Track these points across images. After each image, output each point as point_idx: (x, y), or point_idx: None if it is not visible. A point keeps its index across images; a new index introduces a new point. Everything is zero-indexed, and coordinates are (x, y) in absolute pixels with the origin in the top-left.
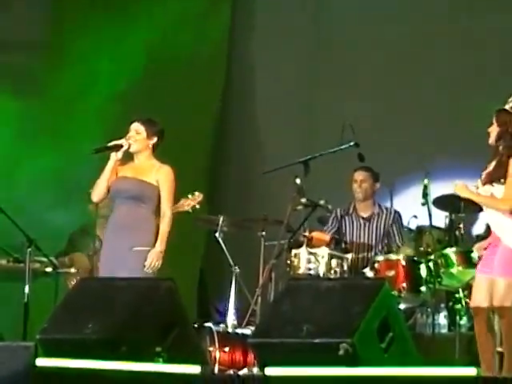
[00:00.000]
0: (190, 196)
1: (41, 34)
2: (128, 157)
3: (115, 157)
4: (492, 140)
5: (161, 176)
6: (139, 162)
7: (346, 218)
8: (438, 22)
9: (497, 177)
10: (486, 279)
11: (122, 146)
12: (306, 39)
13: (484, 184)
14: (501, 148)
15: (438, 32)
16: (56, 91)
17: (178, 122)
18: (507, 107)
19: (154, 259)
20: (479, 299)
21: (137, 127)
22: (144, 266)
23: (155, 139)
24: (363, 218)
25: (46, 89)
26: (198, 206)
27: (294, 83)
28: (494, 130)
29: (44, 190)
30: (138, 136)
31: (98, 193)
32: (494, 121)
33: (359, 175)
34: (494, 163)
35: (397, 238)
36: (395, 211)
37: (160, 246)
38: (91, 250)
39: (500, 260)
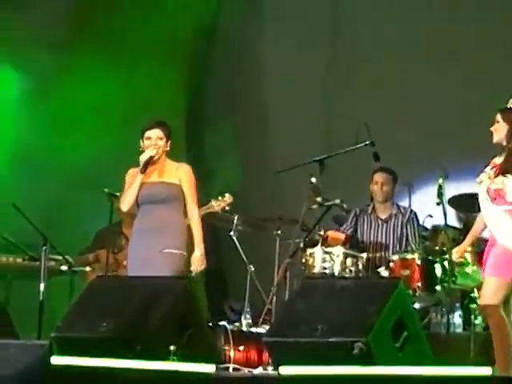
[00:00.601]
0: (220, 198)
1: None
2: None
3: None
4: (498, 139)
5: (182, 174)
6: (158, 166)
7: (365, 217)
8: (451, 23)
9: (509, 169)
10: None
11: (154, 157)
12: (321, 38)
13: (496, 176)
14: (510, 145)
15: (452, 32)
16: None
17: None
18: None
19: (197, 264)
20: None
21: (158, 134)
22: (173, 269)
23: (169, 141)
24: (381, 219)
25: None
26: (227, 208)
27: (308, 83)
28: (499, 129)
29: None
30: (161, 142)
31: (128, 202)
32: (501, 119)
33: (380, 177)
34: (502, 158)
35: (410, 238)
36: (411, 211)
37: (199, 249)
38: (116, 248)
39: (493, 260)
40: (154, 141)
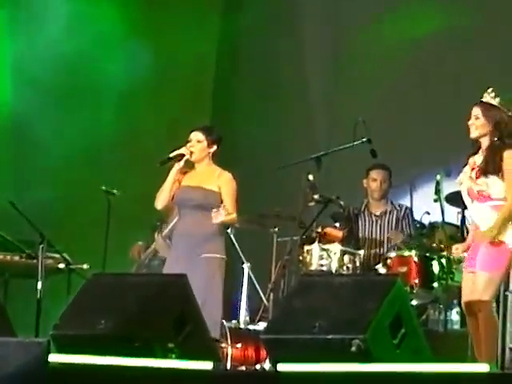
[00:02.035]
0: None
1: None
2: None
3: (178, 166)
4: (477, 134)
5: (222, 183)
6: (200, 170)
7: (359, 215)
8: (453, 25)
9: (491, 170)
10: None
11: (183, 155)
12: (321, 39)
13: (478, 177)
14: (493, 143)
15: (452, 29)
16: None
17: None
18: (493, 101)
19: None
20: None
21: (197, 136)
22: (212, 273)
23: (215, 147)
24: (375, 216)
25: None
26: None
27: (307, 81)
28: (478, 125)
29: None
30: (198, 145)
31: (161, 201)
32: (481, 116)
33: (378, 175)
34: (481, 157)
35: (405, 232)
36: (406, 207)
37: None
38: (147, 241)
39: (482, 255)
40: (192, 143)
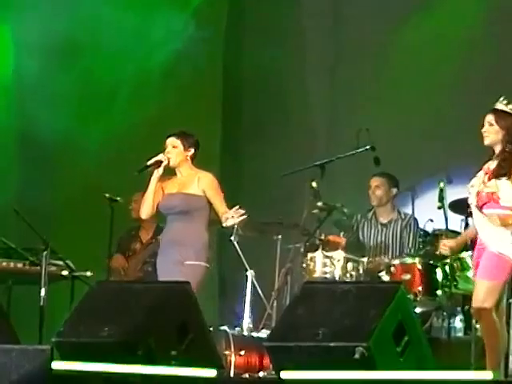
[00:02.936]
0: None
1: None
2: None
3: (157, 173)
4: (490, 141)
5: (205, 185)
6: (181, 175)
7: (365, 222)
8: (452, 30)
9: (503, 173)
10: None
11: (161, 162)
12: (325, 43)
13: (489, 179)
14: (509, 149)
15: (452, 36)
16: None
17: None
18: (506, 108)
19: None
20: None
21: (173, 141)
22: (196, 281)
23: (192, 150)
24: (381, 224)
25: None
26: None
27: (312, 87)
28: (492, 132)
29: None
30: (174, 150)
31: (145, 210)
32: (495, 123)
33: (374, 181)
34: (495, 162)
35: (406, 242)
36: (411, 216)
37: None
38: (130, 251)
39: (484, 263)
40: (168, 149)
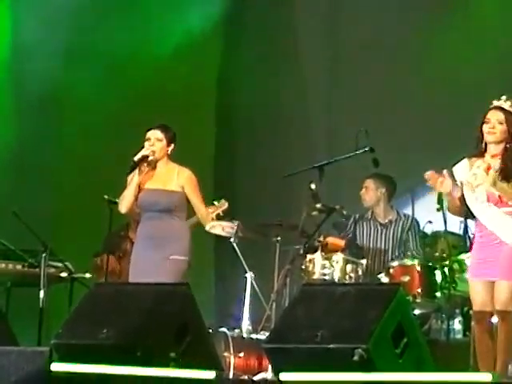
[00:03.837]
0: (216, 203)
1: None
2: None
3: (143, 169)
4: (497, 138)
5: (184, 182)
6: (160, 170)
7: (364, 223)
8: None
9: (511, 174)
10: (487, 283)
11: (148, 157)
12: (324, 43)
13: (500, 180)
14: (509, 147)
15: (452, 40)
16: None
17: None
18: (506, 106)
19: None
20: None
21: (157, 134)
22: (179, 275)
23: (172, 145)
24: (380, 224)
25: None
26: (222, 214)
27: (311, 87)
28: (499, 129)
29: None
30: (159, 143)
31: (125, 205)
32: (504, 121)
33: (364, 183)
34: (497, 161)
35: (411, 245)
36: (413, 218)
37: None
38: (121, 252)
39: (504, 263)
40: (152, 142)
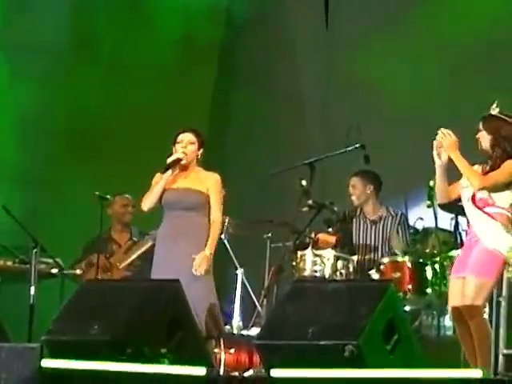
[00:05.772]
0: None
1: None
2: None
3: (173, 171)
4: (484, 146)
5: (210, 184)
6: (187, 172)
7: (354, 219)
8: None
9: None
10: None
11: (181, 160)
12: (317, 40)
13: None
14: (496, 153)
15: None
16: None
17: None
18: (493, 113)
19: (201, 262)
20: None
21: (190, 137)
22: (201, 273)
23: (201, 150)
24: (370, 221)
25: None
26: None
27: (304, 83)
28: (482, 137)
29: None
30: (192, 146)
31: (149, 203)
32: (482, 127)
33: (350, 181)
34: (488, 167)
35: (401, 240)
36: (402, 214)
37: (209, 249)
38: (108, 253)
39: (474, 260)
40: (184, 144)
